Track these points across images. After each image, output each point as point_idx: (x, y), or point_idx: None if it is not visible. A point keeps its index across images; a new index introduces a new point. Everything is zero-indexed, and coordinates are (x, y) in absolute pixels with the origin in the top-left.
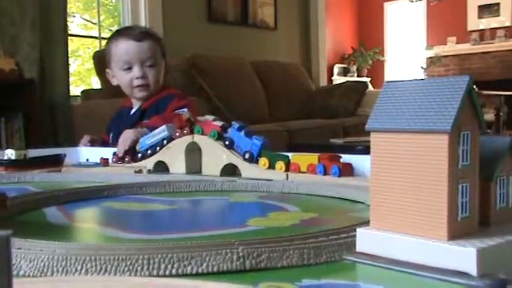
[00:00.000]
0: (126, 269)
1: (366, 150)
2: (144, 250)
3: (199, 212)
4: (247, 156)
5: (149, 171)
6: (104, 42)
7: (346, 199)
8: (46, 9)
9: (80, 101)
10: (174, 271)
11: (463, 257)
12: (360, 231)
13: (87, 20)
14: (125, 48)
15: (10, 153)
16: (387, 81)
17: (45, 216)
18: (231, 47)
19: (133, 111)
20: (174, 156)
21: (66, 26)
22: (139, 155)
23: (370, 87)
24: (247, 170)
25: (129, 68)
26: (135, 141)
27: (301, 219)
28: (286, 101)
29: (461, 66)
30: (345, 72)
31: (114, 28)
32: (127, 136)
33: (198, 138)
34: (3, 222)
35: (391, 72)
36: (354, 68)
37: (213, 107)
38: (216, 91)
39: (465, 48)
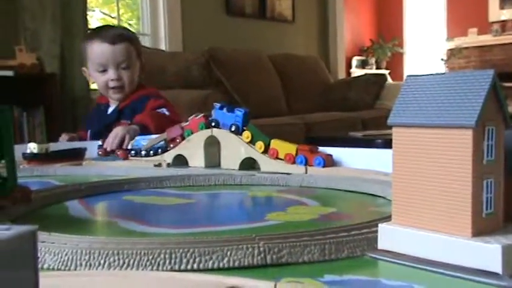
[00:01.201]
0: (148, 263)
1: (385, 143)
2: (165, 245)
3: (218, 206)
4: (233, 128)
5: (168, 165)
6: None
7: (366, 193)
8: (66, 4)
9: (99, 94)
10: (195, 265)
11: (488, 254)
12: (382, 227)
13: (106, 14)
14: (99, 51)
15: (33, 147)
16: (409, 76)
17: (68, 210)
18: (248, 40)
19: (110, 110)
20: (193, 150)
21: (86, 20)
22: (133, 152)
23: (389, 80)
24: (265, 163)
25: (104, 70)
26: (123, 138)
27: (321, 214)
28: (304, 94)
29: (482, 58)
30: (363, 64)
31: (133, 22)
32: (117, 133)
33: (216, 132)
34: (27, 216)
35: (411, 64)
36: (373, 60)
37: (231, 100)
38: (233, 84)
39: (486, 39)
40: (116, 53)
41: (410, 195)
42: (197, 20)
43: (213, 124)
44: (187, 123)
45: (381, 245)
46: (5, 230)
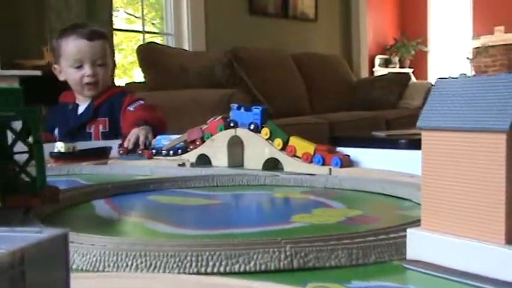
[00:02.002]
0: (174, 265)
1: (409, 143)
2: (192, 247)
3: (243, 207)
4: (252, 127)
5: (192, 165)
6: (147, 35)
7: (391, 196)
8: (92, 4)
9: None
10: (222, 269)
11: None
12: (411, 232)
13: (131, 14)
14: (77, 46)
15: (60, 146)
16: (439, 78)
17: (94, 209)
18: (271, 39)
19: (82, 108)
20: (217, 150)
21: (111, 20)
22: (154, 151)
23: (413, 79)
24: (289, 164)
25: (80, 66)
26: (145, 137)
27: (347, 217)
28: (326, 93)
29: (509, 57)
30: (386, 63)
31: (157, 21)
32: (138, 133)
33: (240, 131)
34: (55, 215)
35: (435, 63)
36: (396, 59)
37: (254, 99)
38: (256, 83)
39: None
40: (93, 50)
41: (440, 200)
42: (220, 20)
43: (231, 125)
44: (207, 125)
45: (410, 251)
46: (36, 232)
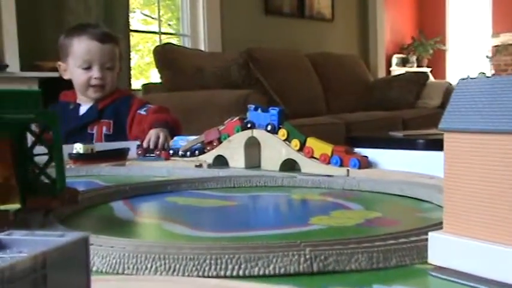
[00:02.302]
0: (193, 268)
1: (427, 144)
2: (211, 250)
3: (261, 208)
4: (269, 128)
5: (209, 166)
6: (164, 36)
7: (411, 197)
8: (109, 6)
9: (140, 95)
10: (241, 272)
11: None
12: (433, 236)
13: (147, 15)
14: (87, 47)
15: (78, 147)
16: (462, 79)
17: (113, 211)
18: (287, 39)
19: (85, 109)
20: (234, 151)
21: (128, 22)
22: (171, 151)
23: (431, 78)
24: (306, 165)
25: (88, 68)
26: (165, 138)
27: (366, 219)
28: (343, 93)
29: None
30: (403, 62)
31: (173, 22)
32: (157, 133)
33: (257, 132)
34: (74, 216)
35: (453, 62)
36: (414, 58)
37: (270, 99)
38: (272, 84)
39: None
40: (104, 52)
41: (463, 203)
42: (236, 20)
43: (248, 126)
44: (224, 126)
45: (432, 255)
46: (58, 236)
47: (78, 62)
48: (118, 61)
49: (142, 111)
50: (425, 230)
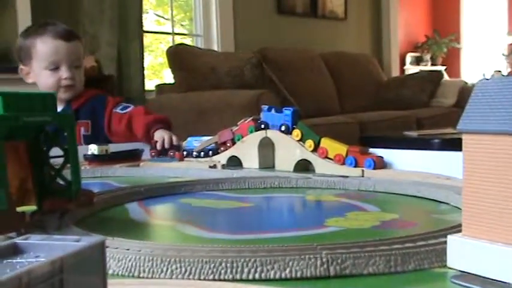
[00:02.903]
0: (209, 271)
1: (442, 143)
2: (226, 253)
3: (276, 210)
4: (283, 128)
5: (223, 166)
6: (177, 37)
7: (427, 198)
8: (123, 8)
9: (154, 95)
10: (257, 275)
11: None
12: (452, 239)
13: (160, 16)
14: (54, 47)
15: (93, 149)
16: (482, 79)
17: (128, 213)
18: (300, 38)
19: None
20: (248, 151)
21: (141, 23)
22: (185, 152)
23: (446, 77)
24: (321, 165)
25: (55, 68)
26: (171, 139)
27: (382, 221)
28: (356, 93)
29: None
30: (417, 61)
31: (186, 23)
32: (163, 135)
33: (271, 133)
34: (89, 218)
35: (468, 60)
36: (428, 56)
37: (283, 99)
38: (285, 83)
39: None
40: (71, 51)
41: (483, 206)
42: (249, 20)
43: (262, 126)
44: (237, 127)
45: (451, 259)
46: (75, 241)
47: (44, 63)
48: (83, 58)
49: (119, 110)
50: (443, 232)
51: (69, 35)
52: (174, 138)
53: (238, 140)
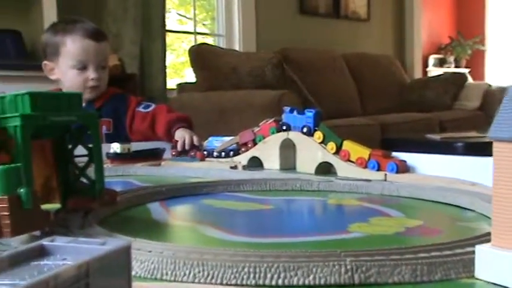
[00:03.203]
0: (232, 276)
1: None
2: (249, 257)
3: (298, 213)
4: (305, 130)
5: (244, 167)
6: (199, 36)
7: (452, 205)
8: (146, 7)
9: (175, 94)
10: (280, 281)
11: None
12: (481, 249)
13: (182, 15)
14: (84, 47)
15: (116, 147)
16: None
17: (150, 213)
18: (322, 39)
19: None
20: (269, 152)
21: (164, 22)
22: (205, 152)
23: (470, 79)
24: (343, 168)
25: (83, 67)
26: (192, 139)
27: (406, 227)
28: (378, 94)
29: None
30: (441, 63)
31: (208, 22)
32: (184, 135)
33: (292, 134)
34: (112, 218)
35: (493, 62)
36: (451, 58)
37: (304, 100)
38: (307, 84)
39: None
40: (100, 52)
41: None
42: (271, 20)
43: (284, 128)
44: (259, 128)
45: (479, 270)
46: (100, 244)
47: (72, 62)
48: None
49: (141, 109)
50: (471, 241)
51: (99, 35)
52: (195, 138)
53: (260, 141)
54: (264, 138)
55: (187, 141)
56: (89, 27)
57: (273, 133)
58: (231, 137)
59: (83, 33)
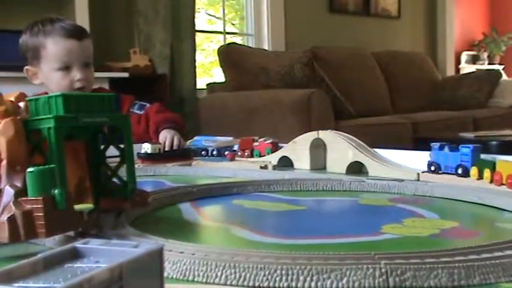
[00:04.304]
0: (264, 278)
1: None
2: (281, 259)
3: (330, 214)
4: (460, 171)
5: (274, 167)
6: (228, 36)
7: (489, 206)
8: (176, 8)
9: (205, 94)
10: (313, 284)
11: None
12: None
13: (211, 15)
14: (66, 48)
15: (146, 147)
16: None
17: (181, 213)
18: (352, 37)
19: None
20: (299, 152)
21: (194, 22)
22: (204, 152)
23: (504, 76)
24: (374, 168)
25: (67, 68)
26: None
27: (441, 229)
28: (410, 92)
29: None
30: (473, 59)
31: (237, 22)
32: (167, 136)
33: (323, 134)
34: (144, 218)
35: None
36: (485, 55)
37: (334, 98)
38: (336, 83)
39: None
40: (83, 50)
41: None
42: (300, 19)
43: (432, 168)
44: (258, 144)
45: None
46: (133, 247)
47: (56, 64)
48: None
49: (136, 110)
50: (510, 244)
51: (80, 32)
52: (176, 138)
53: (257, 155)
54: (260, 153)
55: (167, 143)
56: (68, 26)
57: (268, 153)
58: (224, 138)
59: (63, 33)
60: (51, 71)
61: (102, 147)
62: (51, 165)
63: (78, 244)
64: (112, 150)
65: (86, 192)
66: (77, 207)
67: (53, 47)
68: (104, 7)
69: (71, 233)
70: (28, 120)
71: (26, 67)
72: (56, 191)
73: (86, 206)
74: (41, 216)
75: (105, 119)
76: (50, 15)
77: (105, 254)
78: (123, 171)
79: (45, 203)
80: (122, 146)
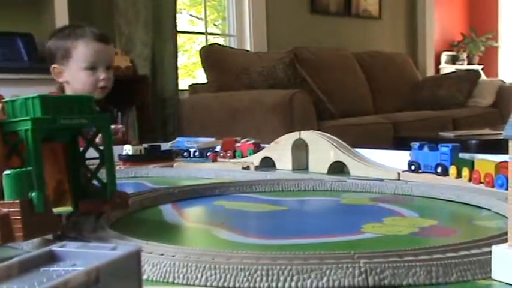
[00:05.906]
0: (244, 279)
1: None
2: (261, 260)
3: (310, 214)
4: (439, 170)
5: (256, 167)
6: (210, 37)
7: (467, 204)
8: (157, 9)
9: (187, 95)
10: (293, 284)
11: None
12: (497, 250)
13: (194, 16)
14: (94, 49)
15: (128, 149)
16: None
17: (161, 215)
18: (333, 38)
19: None
20: (281, 153)
21: (175, 23)
22: (186, 153)
23: (483, 76)
24: (355, 168)
25: (93, 69)
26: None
27: (420, 227)
28: (391, 92)
29: None
30: (453, 60)
31: (219, 23)
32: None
33: (305, 134)
34: (124, 220)
35: (507, 59)
36: (464, 55)
37: (316, 99)
38: (318, 83)
39: None
40: (108, 53)
41: None
42: (282, 20)
43: (412, 167)
44: (240, 144)
45: (496, 271)
46: (110, 249)
47: (84, 64)
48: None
49: None
50: (487, 242)
51: (106, 37)
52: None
53: (239, 156)
54: (242, 154)
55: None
56: (97, 31)
57: (250, 154)
58: (204, 138)
59: (93, 36)
60: (79, 70)
61: (81, 149)
62: (29, 168)
63: (55, 247)
64: (92, 152)
65: (65, 194)
66: (56, 210)
67: (84, 48)
68: (84, 7)
69: (50, 237)
70: (5, 122)
71: (52, 65)
72: (34, 194)
73: (65, 209)
74: (18, 219)
75: (83, 121)
76: (75, 22)
77: (82, 257)
78: (103, 173)
79: (22, 206)
80: (101, 147)
